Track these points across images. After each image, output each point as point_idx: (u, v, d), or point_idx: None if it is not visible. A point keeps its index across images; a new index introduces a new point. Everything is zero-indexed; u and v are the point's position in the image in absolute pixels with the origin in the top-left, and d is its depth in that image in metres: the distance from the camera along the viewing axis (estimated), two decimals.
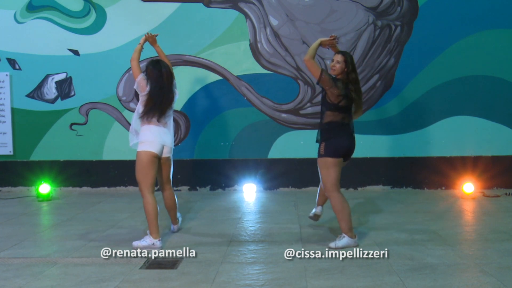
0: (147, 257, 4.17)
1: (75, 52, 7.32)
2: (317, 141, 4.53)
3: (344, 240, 4.38)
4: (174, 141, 7.28)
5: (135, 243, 4.43)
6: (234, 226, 5.27)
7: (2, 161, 7.43)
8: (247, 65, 7.24)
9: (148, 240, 4.41)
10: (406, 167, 7.22)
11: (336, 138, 4.39)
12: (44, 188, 6.81)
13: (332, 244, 4.38)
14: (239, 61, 7.24)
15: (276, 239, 4.72)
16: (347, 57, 4.46)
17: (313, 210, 5.08)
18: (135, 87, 4.66)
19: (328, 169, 4.38)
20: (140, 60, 4.81)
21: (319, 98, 6.98)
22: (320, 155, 4.44)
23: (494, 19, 7.06)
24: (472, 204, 6.25)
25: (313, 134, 7.05)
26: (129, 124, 7.32)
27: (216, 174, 7.37)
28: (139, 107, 4.57)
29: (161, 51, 5.04)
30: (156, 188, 4.71)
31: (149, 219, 4.44)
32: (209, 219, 5.58)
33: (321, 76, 4.34)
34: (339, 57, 4.45)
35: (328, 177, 4.40)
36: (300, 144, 7.23)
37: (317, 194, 5.06)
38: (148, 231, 4.48)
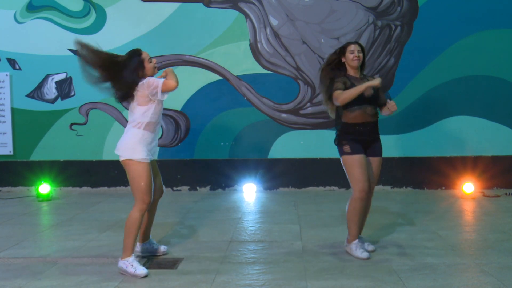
0: (147, 257, 4.18)
1: (75, 52, 7.30)
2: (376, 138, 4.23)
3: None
4: (174, 141, 7.34)
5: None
6: (234, 226, 5.27)
7: (2, 161, 7.43)
8: (247, 65, 7.24)
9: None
10: (406, 167, 7.22)
11: None
12: (44, 188, 6.81)
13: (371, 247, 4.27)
14: (239, 61, 7.24)
15: (276, 239, 4.72)
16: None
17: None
18: (162, 98, 3.92)
19: None
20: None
21: (319, 98, 7.00)
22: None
23: (494, 19, 7.06)
24: (472, 204, 6.24)
25: (313, 134, 7.13)
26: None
27: (216, 174, 7.37)
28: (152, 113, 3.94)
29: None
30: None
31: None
32: (209, 219, 5.58)
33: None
34: (358, 47, 4.17)
35: None
36: (300, 144, 7.23)
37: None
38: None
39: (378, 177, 4.26)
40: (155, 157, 4.09)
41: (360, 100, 4.01)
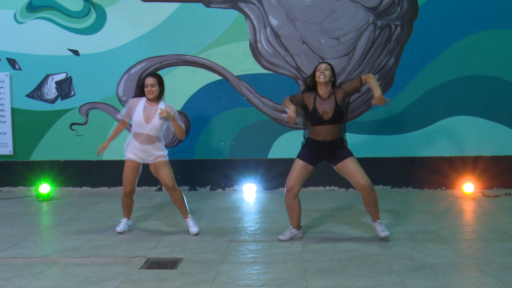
0: (147, 257, 4.18)
1: (75, 52, 7.32)
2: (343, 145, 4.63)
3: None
4: (174, 141, 7.34)
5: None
6: (234, 226, 5.27)
7: (2, 161, 7.43)
8: (247, 65, 7.24)
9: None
10: (406, 167, 7.22)
11: None
12: (44, 188, 6.81)
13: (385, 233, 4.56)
14: (239, 61, 7.24)
15: (276, 239, 4.72)
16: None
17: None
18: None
19: None
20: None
21: None
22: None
23: (494, 19, 7.06)
24: (472, 204, 6.24)
25: None
26: (129, 125, 7.36)
27: (216, 174, 7.37)
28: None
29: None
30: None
31: None
32: (209, 219, 5.58)
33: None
34: (326, 65, 4.57)
35: None
36: (300, 144, 7.21)
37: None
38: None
39: (364, 173, 4.53)
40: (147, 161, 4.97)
41: (320, 120, 4.47)
